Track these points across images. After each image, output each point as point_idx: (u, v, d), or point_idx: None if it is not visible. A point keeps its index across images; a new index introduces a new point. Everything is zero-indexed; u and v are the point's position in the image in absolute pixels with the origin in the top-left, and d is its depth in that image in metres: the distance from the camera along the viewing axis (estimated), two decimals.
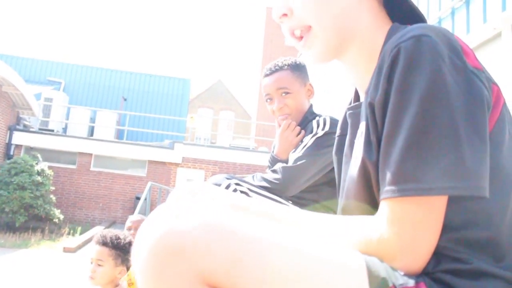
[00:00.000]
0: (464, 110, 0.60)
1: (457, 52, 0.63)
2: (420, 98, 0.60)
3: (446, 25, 6.17)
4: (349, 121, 0.84)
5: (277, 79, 1.80)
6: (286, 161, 1.74)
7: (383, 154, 0.63)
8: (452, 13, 6.05)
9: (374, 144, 0.67)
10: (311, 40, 0.80)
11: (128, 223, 3.58)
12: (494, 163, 0.63)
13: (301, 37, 0.81)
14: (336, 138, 0.91)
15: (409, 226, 0.59)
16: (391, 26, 0.79)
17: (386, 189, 0.62)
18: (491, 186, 0.61)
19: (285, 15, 0.80)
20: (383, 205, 0.62)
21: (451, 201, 0.61)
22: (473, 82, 0.62)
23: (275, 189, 1.61)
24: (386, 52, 0.65)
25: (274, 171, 1.67)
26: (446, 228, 0.62)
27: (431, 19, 6.46)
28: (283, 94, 1.79)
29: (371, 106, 0.68)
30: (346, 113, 0.87)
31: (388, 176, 0.61)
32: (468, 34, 5.54)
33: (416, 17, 0.81)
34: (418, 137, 0.59)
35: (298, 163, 1.65)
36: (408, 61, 0.62)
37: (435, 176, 0.58)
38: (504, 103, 0.67)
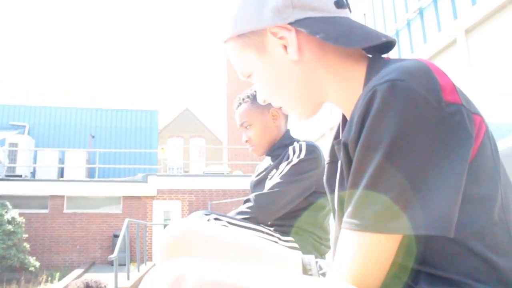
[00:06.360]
0: (429, 156, 0.62)
1: (434, 93, 0.63)
2: (387, 144, 0.62)
3: (403, 36, 6.38)
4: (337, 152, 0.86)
5: (239, 114, 1.87)
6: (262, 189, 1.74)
7: (348, 189, 0.67)
8: (408, 25, 6.26)
9: (347, 181, 0.70)
10: (285, 110, 0.88)
11: None
12: (474, 191, 0.66)
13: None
14: (326, 166, 0.92)
15: (353, 256, 0.64)
16: (369, 61, 0.79)
17: (343, 219, 0.67)
18: (468, 213, 0.64)
19: (249, 76, 0.87)
20: (341, 234, 0.67)
21: (430, 240, 0.65)
22: (446, 122, 0.63)
23: (250, 218, 1.63)
24: (363, 94, 0.67)
25: (248, 200, 1.69)
26: (426, 265, 0.67)
27: (389, 31, 6.66)
28: (247, 127, 1.86)
29: (345, 145, 0.71)
30: (333, 144, 0.89)
31: (348, 209, 0.66)
32: (425, 44, 5.74)
33: (388, 41, 0.79)
34: (377, 181, 0.62)
35: (272, 190, 1.67)
36: (380, 105, 0.63)
37: (380, 217, 0.61)
38: (486, 131, 0.69)
